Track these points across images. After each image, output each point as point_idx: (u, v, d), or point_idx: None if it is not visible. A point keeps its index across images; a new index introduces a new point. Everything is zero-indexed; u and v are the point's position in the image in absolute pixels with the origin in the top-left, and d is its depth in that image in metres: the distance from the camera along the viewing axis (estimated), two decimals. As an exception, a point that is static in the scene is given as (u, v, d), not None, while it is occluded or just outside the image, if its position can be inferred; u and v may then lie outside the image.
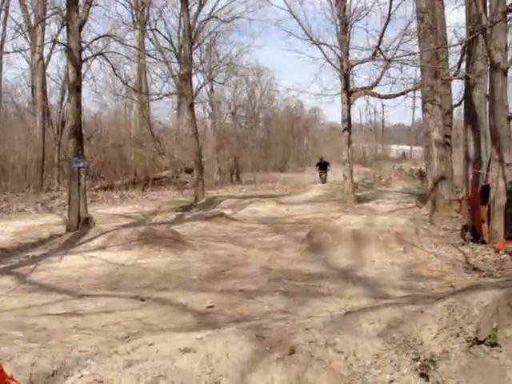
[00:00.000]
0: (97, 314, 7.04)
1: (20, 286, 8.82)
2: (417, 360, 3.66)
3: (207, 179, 31.89)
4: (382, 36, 21.51)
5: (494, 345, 3.79)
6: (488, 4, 11.68)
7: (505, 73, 11.13)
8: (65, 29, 16.04)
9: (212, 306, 7.37)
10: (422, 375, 3.61)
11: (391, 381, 3.58)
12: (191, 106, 25.80)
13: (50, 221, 18.00)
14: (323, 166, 36.62)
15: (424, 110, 17.97)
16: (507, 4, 11.47)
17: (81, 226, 13.89)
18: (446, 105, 19.90)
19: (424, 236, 12.73)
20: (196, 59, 34.53)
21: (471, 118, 16.86)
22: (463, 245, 11.50)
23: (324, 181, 35.78)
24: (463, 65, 19.66)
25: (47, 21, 29.21)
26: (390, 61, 21.12)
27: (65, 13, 16.48)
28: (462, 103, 19.85)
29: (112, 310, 7.27)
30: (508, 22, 12.26)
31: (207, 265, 10.44)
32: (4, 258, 11.37)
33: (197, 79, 43.12)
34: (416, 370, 3.63)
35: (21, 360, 3.79)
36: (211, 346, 3.72)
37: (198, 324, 6.36)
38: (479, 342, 3.76)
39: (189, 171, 32.24)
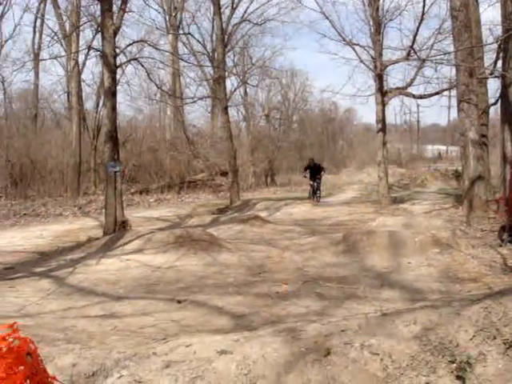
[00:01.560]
0: (134, 316, 7.14)
1: (59, 289, 8.97)
2: (453, 362, 3.64)
3: (242, 182, 32.01)
4: (415, 35, 21.39)
5: (531, 347, 3.76)
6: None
7: (542, 71, 10.99)
8: (99, 35, 16.25)
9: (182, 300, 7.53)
10: (458, 377, 3.59)
11: (427, 383, 3.58)
12: (225, 109, 25.91)
13: (87, 224, 18.26)
14: (315, 172, 25.22)
15: (460, 110, 17.76)
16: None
17: (117, 229, 14.05)
18: (482, 104, 19.69)
19: (460, 237, 12.58)
20: (229, 62, 34.68)
21: (508, 116, 16.65)
22: (501, 246, 11.34)
23: (316, 194, 25.27)
24: (499, 63, 19.44)
25: (82, 27, 29.60)
26: (424, 60, 20.97)
27: (99, 19, 16.68)
28: (499, 102, 19.60)
29: (149, 312, 7.35)
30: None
31: (243, 267, 10.48)
32: (43, 262, 11.58)
33: (230, 82, 43.37)
34: (452, 372, 3.62)
35: (62, 361, 3.87)
36: (248, 348, 3.75)
37: (235, 326, 6.40)
38: (517, 344, 3.73)
39: (224, 174, 32.39)
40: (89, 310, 7.54)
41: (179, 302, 7.90)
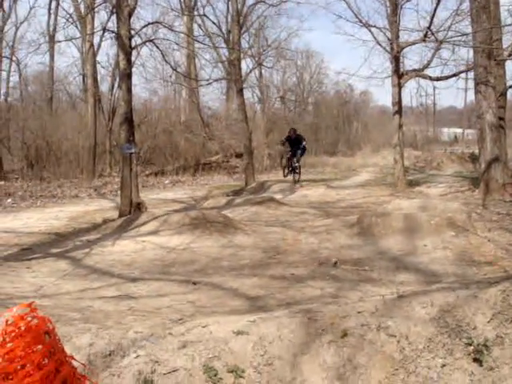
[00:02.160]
0: (150, 297, 7.17)
1: (75, 270, 9.02)
2: (470, 345, 3.63)
3: (257, 164, 31.96)
4: (433, 17, 21.11)
5: (549, 330, 3.74)
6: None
7: (561, 52, 10.84)
8: (114, 17, 16.22)
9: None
10: (475, 360, 3.58)
11: (444, 365, 3.57)
12: (240, 91, 25.83)
13: (102, 206, 18.33)
14: (295, 144, 23.04)
15: (477, 92, 17.60)
16: None
17: (133, 210, 14.10)
18: (499, 86, 19.49)
19: (477, 220, 12.50)
20: (245, 44, 34.43)
21: (526, 99, 16.49)
22: (517, 229, 11.28)
23: (294, 170, 22.94)
24: (518, 45, 19.21)
25: (97, 9, 29.53)
26: (441, 42, 20.73)
27: (114, 1, 16.65)
28: (517, 84, 19.41)
29: (165, 293, 7.38)
30: None
31: (258, 249, 10.48)
32: (59, 243, 11.64)
33: (245, 64, 43.12)
34: (469, 354, 3.61)
35: (79, 340, 3.89)
36: (264, 329, 3.76)
37: (250, 307, 6.41)
38: (534, 327, 3.71)
39: (239, 156, 32.38)
40: (105, 290, 7.58)
41: (194, 283, 7.93)
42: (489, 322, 3.75)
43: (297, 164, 22.20)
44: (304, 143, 22.72)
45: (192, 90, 36.89)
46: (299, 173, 22.99)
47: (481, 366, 3.56)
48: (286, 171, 22.77)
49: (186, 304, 6.68)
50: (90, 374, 3.26)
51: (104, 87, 37.27)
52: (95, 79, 33.71)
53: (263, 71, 42.82)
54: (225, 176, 32.09)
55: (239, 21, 26.79)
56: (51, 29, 35.47)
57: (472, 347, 3.63)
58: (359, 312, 3.91)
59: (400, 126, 22.18)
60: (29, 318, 2.70)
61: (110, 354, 3.75)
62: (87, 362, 3.62)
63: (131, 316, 5.63)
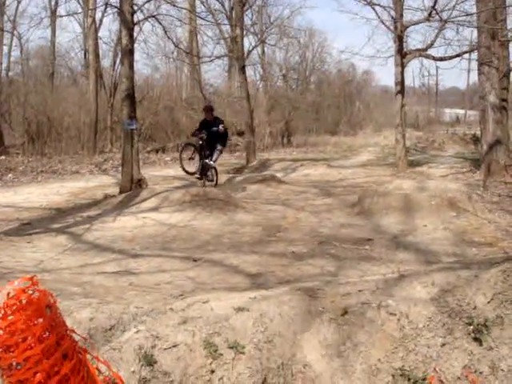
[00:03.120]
0: (150, 273, 7.19)
1: (75, 245, 9.04)
2: (470, 324, 3.64)
3: (258, 142, 31.94)
4: (438, -4, 20.98)
5: (549, 311, 3.75)
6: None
7: None
8: (117, -9, 16.08)
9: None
10: (475, 339, 3.59)
11: (443, 344, 3.58)
12: (243, 68, 25.73)
13: (103, 182, 18.36)
14: (211, 132, 14.40)
15: (480, 73, 17.54)
16: None
17: (134, 187, 14.13)
18: (503, 67, 19.37)
19: (477, 201, 12.51)
20: (247, 21, 34.27)
21: (529, 80, 16.42)
22: (518, 211, 11.30)
23: (207, 172, 14.71)
24: (522, 26, 19.07)
25: (99, -16, 29.40)
26: (445, 22, 20.59)
27: (118, -25, 16.52)
28: (521, 66, 19.29)
29: (165, 269, 7.40)
30: None
31: (258, 227, 10.50)
32: (60, 218, 11.66)
33: (248, 41, 42.95)
34: (469, 334, 3.62)
35: (80, 314, 3.90)
36: (265, 306, 3.77)
37: (250, 285, 6.43)
38: (534, 308, 3.72)
39: (240, 134, 32.32)
40: (105, 266, 7.60)
41: (195, 260, 7.94)
42: (489, 302, 3.76)
43: (212, 163, 14.51)
44: (221, 127, 14.09)
45: (194, 67, 36.78)
46: (216, 176, 15.25)
47: (480, 345, 3.57)
48: (193, 169, 14.38)
49: (186, 280, 6.70)
50: (90, 347, 3.27)
51: (106, 63, 37.24)
52: (97, 55, 33.60)
53: (266, 49, 42.72)
54: (226, 154, 32.07)
55: (242, -3, 26.60)
56: (53, 3, 35.34)
57: (472, 327, 3.64)
58: (360, 290, 3.92)
59: (402, 106, 22.11)
60: (30, 292, 2.70)
61: (110, 329, 3.76)
62: (88, 336, 3.63)
63: (132, 291, 5.65)
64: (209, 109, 15.02)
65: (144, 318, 3.80)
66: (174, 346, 3.52)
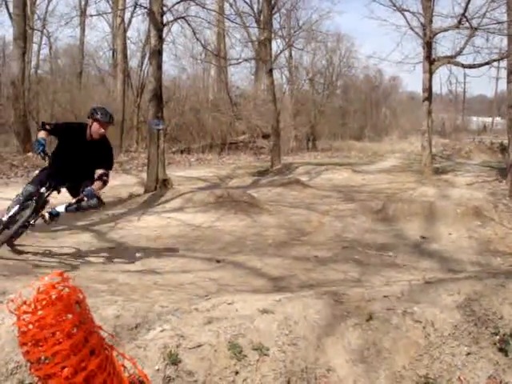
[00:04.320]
0: (174, 272, 7.22)
1: (100, 243, 9.10)
2: (496, 334, 3.62)
3: (283, 145, 31.88)
4: (468, 3, 20.84)
5: None
6: None
7: None
8: (147, -7, 16.21)
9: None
10: (501, 350, 3.57)
11: (469, 353, 3.56)
12: (270, 71, 25.76)
13: (128, 181, 18.42)
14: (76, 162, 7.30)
15: (509, 81, 17.42)
16: None
17: (159, 187, 14.21)
18: (533, 76, 19.19)
19: (503, 211, 12.39)
20: (275, 24, 34.22)
21: (560, 90, 16.24)
22: (544, 221, 11.17)
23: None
24: (553, 34, 18.85)
25: (129, -15, 29.60)
26: (475, 29, 20.47)
27: (147, -24, 16.64)
28: (551, 75, 19.05)
29: (188, 269, 7.43)
30: None
31: (282, 230, 10.50)
32: (84, 216, 11.73)
33: (276, 45, 42.92)
34: (495, 344, 3.59)
35: (106, 311, 3.94)
36: (289, 308, 3.77)
37: (273, 287, 6.43)
38: (561, 319, 3.69)
39: (265, 136, 32.34)
40: (129, 265, 7.64)
41: (218, 261, 7.96)
42: (516, 312, 3.73)
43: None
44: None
45: (221, 69, 36.88)
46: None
47: (506, 356, 3.55)
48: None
49: (209, 281, 6.72)
50: (116, 344, 3.30)
51: (133, 63, 37.39)
52: (125, 55, 33.83)
53: (293, 52, 42.60)
54: (251, 156, 32.10)
55: (271, 1, 26.63)
56: (83, 3, 35.60)
57: (498, 337, 3.62)
58: (385, 296, 3.91)
59: (429, 113, 22.00)
60: (60, 287, 2.74)
61: (136, 327, 3.78)
62: (114, 333, 3.66)
63: (157, 290, 5.68)
64: (102, 110, 7.41)
65: (169, 317, 3.82)
66: (198, 346, 3.53)
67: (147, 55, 27.01)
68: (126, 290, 5.59)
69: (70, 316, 2.72)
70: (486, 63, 23.15)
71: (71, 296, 2.73)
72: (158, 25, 14.57)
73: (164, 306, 4.04)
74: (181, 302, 4.33)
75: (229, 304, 3.90)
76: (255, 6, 35.87)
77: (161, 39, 15.21)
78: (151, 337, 3.63)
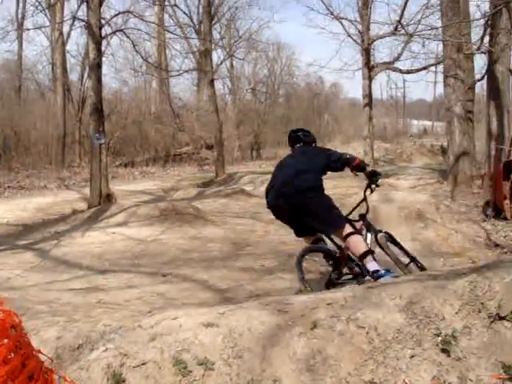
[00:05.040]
0: (119, 289, 7.13)
1: (43, 262, 8.93)
2: (438, 335, 3.66)
3: (228, 155, 31.92)
4: (403, 10, 21.41)
5: (515, 320, 3.80)
6: (512, -24, 11.46)
7: (528, 46, 10.96)
8: (84, 5, 16.02)
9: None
10: (444, 350, 3.61)
11: (412, 356, 3.59)
12: (211, 82, 25.75)
13: (71, 197, 18.16)
14: None
15: (446, 85, 17.77)
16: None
17: (102, 202, 14.01)
18: (468, 79, 19.71)
19: (445, 212, 12.67)
20: (216, 35, 34.38)
21: (494, 92, 16.66)
22: (485, 221, 11.44)
23: None
24: (486, 39, 19.39)
25: (67, -3, 29.20)
26: (411, 35, 20.95)
27: (84, -11, 16.47)
28: (485, 78, 19.57)
29: (134, 285, 7.35)
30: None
31: (228, 241, 10.49)
32: (27, 234, 11.52)
33: (216, 55, 43.04)
34: (437, 345, 3.64)
35: (47, 333, 3.85)
36: (234, 321, 3.75)
37: (220, 299, 6.41)
38: (501, 318, 3.76)
39: (209, 147, 32.31)
40: (74, 282, 7.51)
41: (164, 275, 7.90)
42: (457, 312, 3.79)
43: None
44: None
45: (162, 81, 36.72)
46: None
47: (449, 356, 3.59)
48: None
49: (155, 296, 6.66)
50: (57, 367, 3.23)
51: (74, 76, 36.92)
52: (64, 69, 33.37)
53: (234, 62, 42.80)
54: (195, 167, 32.02)
55: (210, 11, 26.71)
56: (20, 16, 34.95)
57: (440, 338, 3.66)
58: (329, 304, 3.92)
59: (370, 119, 22.37)
60: (-6, 312, 2.66)
61: (78, 348, 3.71)
62: (55, 355, 3.58)
63: (100, 308, 5.60)
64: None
65: (112, 336, 3.76)
66: (142, 364, 3.48)
67: (87, 69, 26.76)
68: (68, 310, 5.49)
69: (5, 341, 2.64)
70: (423, 68, 23.75)
71: (6, 320, 2.66)
72: (96, 38, 14.42)
73: (107, 324, 3.97)
74: (124, 319, 4.27)
75: (172, 319, 3.85)
76: (195, 17, 36.00)
77: (100, 52, 15.06)
78: (94, 357, 3.56)
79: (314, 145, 7.16)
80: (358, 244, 6.15)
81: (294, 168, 6.50)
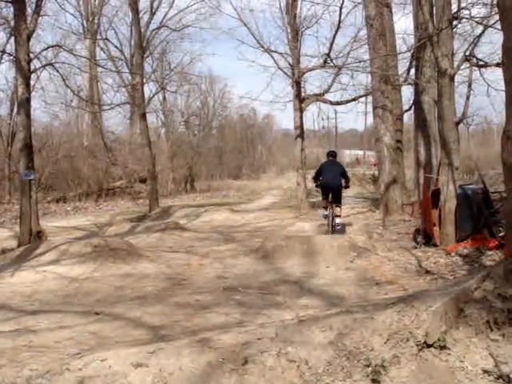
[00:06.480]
0: (50, 330, 6.94)
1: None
2: (368, 366, 3.71)
3: (162, 188, 31.78)
4: (332, 43, 21.91)
5: (442, 348, 3.88)
6: (434, 12, 11.86)
7: (452, 78, 11.31)
8: (13, 39, 15.80)
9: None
10: (374, 381, 3.66)
11: (344, 387, 3.63)
12: (143, 115, 25.66)
13: (1, 235, 17.69)
14: None
15: (375, 116, 18.23)
16: (452, 12, 11.70)
17: (33, 239, 13.67)
18: (396, 110, 20.27)
19: (377, 240, 12.92)
20: (148, 68, 34.35)
21: (421, 122, 17.15)
22: (415, 248, 11.68)
23: None
24: (412, 71, 19.99)
25: (-5, 31, 28.71)
26: (340, 68, 21.43)
27: (12, 23, 16.26)
28: (412, 108, 20.13)
29: (66, 325, 7.16)
30: (454, 29, 12.50)
31: (162, 276, 10.39)
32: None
33: (149, 88, 43.03)
34: (367, 375, 3.68)
35: (-32, 382, 3.73)
36: (164, 360, 3.71)
37: (154, 337, 6.31)
38: (428, 346, 3.84)
39: (143, 181, 32.09)
40: (2, 325, 7.27)
41: (97, 313, 7.74)
42: (385, 342, 3.85)
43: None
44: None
45: (94, 115, 36.40)
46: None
47: (379, 386, 3.64)
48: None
49: (87, 335, 6.51)
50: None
51: (3, 111, 36.18)
52: (-7, 103, 32.73)
53: (167, 95, 42.82)
54: (129, 202, 31.68)
55: (142, 45, 26.69)
56: None
57: (370, 368, 3.71)
58: (259, 338, 3.92)
59: (302, 149, 22.66)
60: None
61: (2, 394, 3.60)
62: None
63: (27, 352, 5.42)
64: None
65: (39, 381, 3.66)
66: (70, 409, 3.40)
67: (16, 103, 26.29)
68: (-7, 355, 5.31)
69: None
70: (353, 99, 24.25)
71: None
72: (24, 72, 14.20)
73: (34, 369, 3.87)
74: (52, 362, 4.16)
75: (102, 361, 3.78)
76: (127, 50, 35.97)
77: (28, 87, 14.81)
78: (20, 403, 3.46)
79: (336, 159, 16.16)
80: (338, 210, 15.16)
81: (332, 172, 15.11)
